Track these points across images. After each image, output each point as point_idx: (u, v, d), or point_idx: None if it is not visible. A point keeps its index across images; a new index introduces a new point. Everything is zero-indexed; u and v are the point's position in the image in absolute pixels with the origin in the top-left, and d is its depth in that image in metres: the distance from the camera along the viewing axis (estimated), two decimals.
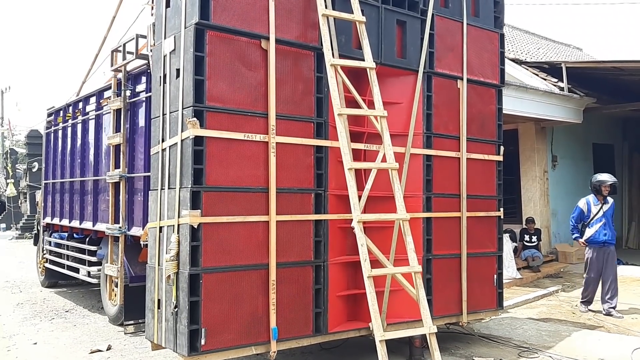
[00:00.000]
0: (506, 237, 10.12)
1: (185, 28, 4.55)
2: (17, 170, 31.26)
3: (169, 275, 4.41)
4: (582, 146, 13.72)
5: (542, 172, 12.22)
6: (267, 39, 4.79)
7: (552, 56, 16.13)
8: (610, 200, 7.99)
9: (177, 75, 4.62)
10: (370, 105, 5.21)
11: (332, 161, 5.23)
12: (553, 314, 7.77)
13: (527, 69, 11.96)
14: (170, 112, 4.74)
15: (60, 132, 9.52)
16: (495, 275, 6.42)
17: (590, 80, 12.18)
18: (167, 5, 4.88)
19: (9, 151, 34.42)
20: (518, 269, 10.17)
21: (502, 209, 6.57)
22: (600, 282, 7.81)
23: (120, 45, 7.07)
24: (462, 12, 6.21)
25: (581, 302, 7.96)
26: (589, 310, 7.82)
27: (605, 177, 7.96)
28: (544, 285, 9.72)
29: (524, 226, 11.34)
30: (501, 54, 6.63)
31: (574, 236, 8.21)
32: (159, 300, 4.73)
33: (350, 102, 5.28)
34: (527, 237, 11.14)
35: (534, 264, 10.69)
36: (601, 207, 7.88)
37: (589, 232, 7.89)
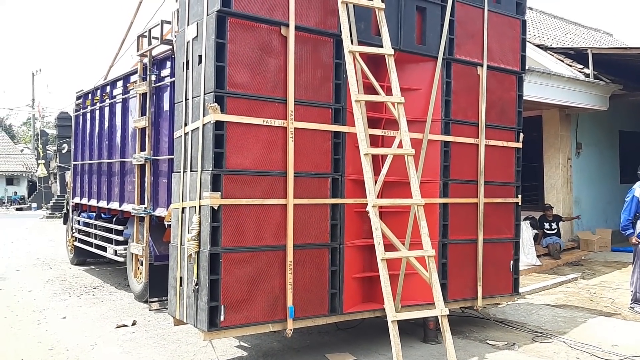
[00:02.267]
0: (526, 224, 10.14)
1: (207, 15, 4.68)
2: (47, 152, 32.03)
3: (191, 254, 4.59)
4: (608, 133, 13.52)
5: (565, 159, 12.11)
6: (287, 25, 4.89)
7: (580, 42, 15.84)
8: None
9: (200, 62, 4.77)
10: (389, 91, 5.28)
11: (350, 146, 5.33)
12: (570, 300, 7.79)
13: (552, 55, 11.80)
14: (192, 97, 4.89)
15: (88, 115, 9.79)
16: (511, 261, 6.48)
17: (617, 67, 11.97)
18: None
19: (39, 132, 35.23)
20: (538, 256, 10.17)
21: (520, 196, 6.59)
22: None
23: (146, 31, 7.24)
24: None
25: (635, 302, 7.15)
26: None
27: None
28: (563, 273, 9.71)
29: (543, 213, 11.29)
30: (522, 40, 6.61)
31: (627, 232, 7.18)
32: (180, 278, 4.93)
33: (369, 88, 5.35)
34: (546, 225, 11.10)
35: (553, 251, 10.67)
36: None
37: (639, 226, 7.10)
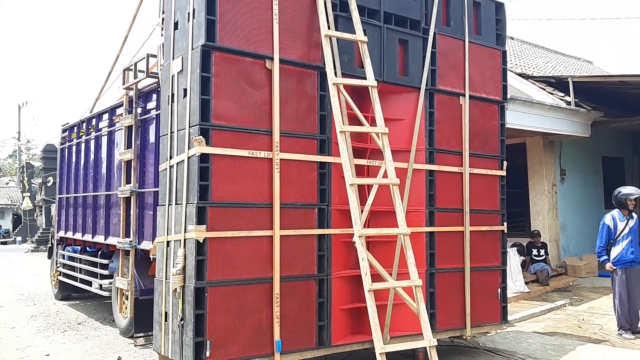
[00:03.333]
0: (514, 251, 10.17)
1: (192, 49, 4.73)
2: (32, 185, 31.77)
3: (176, 289, 4.54)
4: (592, 159, 13.71)
5: (550, 185, 12.24)
6: (272, 59, 4.95)
7: (561, 70, 16.17)
8: (635, 215, 7.36)
9: (185, 95, 4.80)
10: (373, 122, 5.34)
11: (336, 176, 5.36)
12: (559, 328, 7.78)
13: (534, 84, 12.02)
14: (177, 130, 4.90)
15: (74, 148, 9.76)
16: (499, 289, 6.48)
17: (597, 94, 12.21)
18: (176, 27, 5.07)
19: (25, 165, 34.99)
20: (526, 283, 10.18)
21: (505, 224, 6.63)
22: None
23: (132, 65, 7.29)
24: (464, 31, 6.33)
25: (621, 329, 7.17)
26: (636, 335, 7.04)
27: (631, 190, 7.29)
28: (551, 299, 9.71)
29: (531, 240, 11.35)
30: (503, 70, 6.74)
31: (602, 259, 7.34)
32: (166, 312, 4.87)
33: (354, 119, 5.41)
34: (534, 251, 11.15)
35: (542, 278, 10.69)
36: (627, 223, 7.22)
37: (614, 252, 7.21)
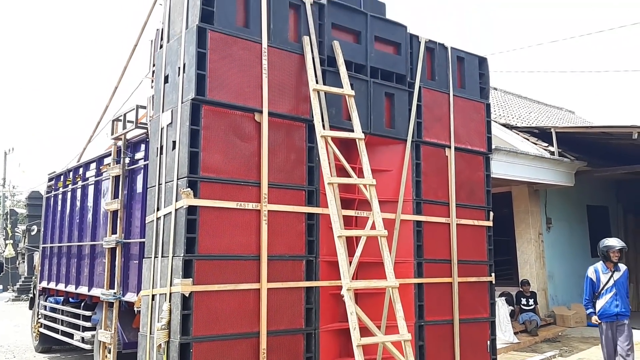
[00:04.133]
0: (502, 301, 10.12)
1: (182, 103, 4.79)
2: (16, 233, 31.27)
3: (160, 344, 4.44)
4: (576, 208, 13.85)
5: (537, 234, 12.30)
6: (260, 112, 5.01)
7: (544, 120, 16.53)
8: (622, 267, 7.12)
9: (173, 147, 4.82)
10: (361, 173, 5.38)
11: (324, 227, 5.35)
12: None
13: (518, 134, 12.26)
14: (165, 182, 4.90)
15: (60, 197, 9.68)
16: (488, 342, 6.41)
17: (580, 144, 12.46)
18: (166, 81, 5.14)
19: (9, 212, 34.54)
20: (515, 333, 10.10)
21: (493, 274, 6.63)
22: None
23: (121, 115, 7.34)
24: (449, 85, 6.49)
25: None
26: None
27: (613, 242, 7.08)
28: (541, 350, 9.62)
29: (520, 289, 11.32)
30: (488, 123, 6.87)
31: (588, 311, 7.20)
32: None
33: (342, 170, 5.45)
34: (523, 301, 11.10)
35: (531, 328, 10.60)
36: (611, 276, 7.01)
37: (598, 305, 7.02)
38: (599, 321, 7.03)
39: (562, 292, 12.72)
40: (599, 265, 7.18)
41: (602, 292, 7.03)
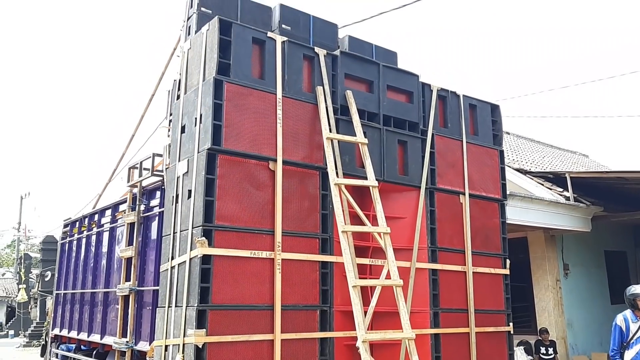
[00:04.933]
0: (520, 350, 9.87)
1: (198, 152, 4.86)
2: (30, 278, 31.32)
3: None
4: (594, 254, 13.61)
5: (554, 280, 12.07)
6: (275, 160, 5.07)
7: (558, 164, 16.46)
8: None
9: (189, 196, 4.86)
10: (374, 220, 5.37)
11: (338, 276, 5.31)
12: None
13: (532, 179, 12.19)
14: (180, 231, 4.93)
15: (74, 243, 9.73)
16: None
17: (596, 189, 12.35)
18: (182, 131, 5.23)
19: (23, 256, 34.69)
20: None
21: (511, 324, 6.50)
22: None
23: (138, 163, 7.43)
24: (461, 132, 6.53)
25: None
26: None
27: (639, 290, 6.58)
28: None
29: (539, 337, 11.03)
30: (502, 169, 6.87)
31: None
32: None
33: (355, 217, 5.45)
34: (542, 350, 10.79)
35: None
36: None
37: (627, 356, 6.46)
38: None
39: (582, 340, 12.36)
40: (628, 313, 6.65)
41: (632, 342, 6.47)
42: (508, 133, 17.13)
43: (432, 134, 6.25)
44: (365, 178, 5.41)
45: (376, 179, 5.41)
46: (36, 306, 27.68)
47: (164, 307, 4.96)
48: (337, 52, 5.77)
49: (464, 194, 6.39)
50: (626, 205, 12.35)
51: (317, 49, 5.60)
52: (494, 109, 7.02)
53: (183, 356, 4.44)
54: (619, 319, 6.67)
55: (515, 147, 16.48)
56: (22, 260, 33.61)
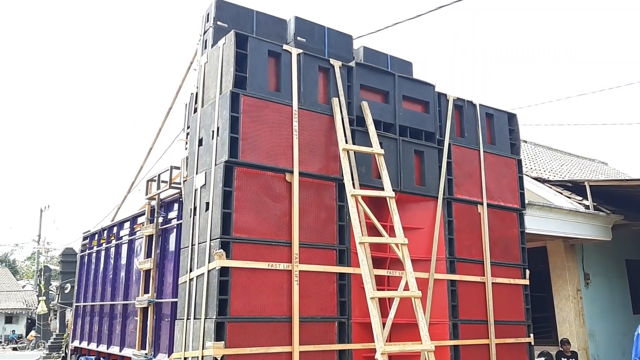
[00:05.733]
0: None
1: (215, 165, 4.89)
2: (50, 290, 31.61)
3: None
4: (615, 263, 13.39)
5: (575, 290, 11.89)
6: (291, 172, 5.08)
7: (576, 172, 16.27)
8: None
9: (207, 209, 4.89)
10: (392, 231, 5.35)
11: (355, 287, 5.29)
12: None
13: (551, 188, 12.06)
14: (198, 243, 4.95)
15: (94, 255, 9.82)
16: None
17: (616, 197, 12.16)
18: (200, 144, 5.27)
19: (43, 268, 35.05)
20: None
21: (532, 335, 6.41)
22: None
23: (155, 176, 7.50)
24: (479, 141, 6.50)
25: None
26: None
27: None
28: None
29: (560, 348, 10.86)
30: (520, 178, 6.81)
31: None
32: None
33: (372, 228, 5.43)
34: None
35: None
36: None
37: None
38: None
39: (605, 351, 12.14)
40: None
41: None
42: (525, 141, 16.99)
43: (449, 144, 6.22)
44: (382, 189, 5.40)
45: (393, 190, 5.40)
46: (56, 318, 27.88)
47: (183, 319, 4.98)
48: (352, 64, 5.79)
49: (482, 203, 6.34)
50: None
51: (332, 61, 5.63)
52: (511, 117, 6.98)
53: None
54: None
55: (533, 155, 16.34)
56: (42, 273, 33.96)
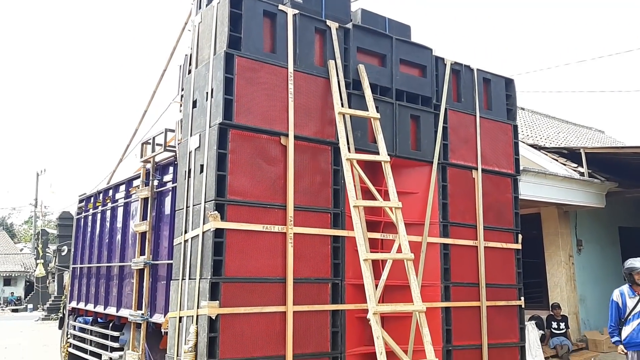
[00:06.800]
0: (532, 324, 9.90)
1: (209, 127, 4.87)
2: (47, 253, 31.83)
3: None
4: (608, 230, 13.53)
5: (567, 256, 12.04)
6: (287, 135, 5.07)
7: (573, 140, 16.28)
8: None
9: (201, 171, 4.89)
10: (386, 195, 5.38)
11: (349, 250, 5.34)
12: None
13: (546, 154, 12.08)
14: (193, 205, 4.97)
15: (90, 218, 9.86)
16: None
17: (611, 165, 12.21)
18: (194, 105, 5.24)
19: (40, 232, 35.24)
20: (546, 358, 9.84)
21: (523, 298, 6.51)
22: None
23: (150, 139, 7.47)
24: (475, 106, 6.47)
25: None
26: None
27: (637, 264, 6.32)
28: None
29: (550, 312, 11.06)
30: (515, 144, 6.81)
31: (613, 340, 6.41)
32: None
33: (367, 192, 5.45)
34: (554, 324, 10.84)
35: (562, 353, 10.33)
36: (639, 300, 6.27)
37: (624, 332, 6.26)
38: (625, 351, 6.29)
39: (594, 316, 12.37)
40: (625, 288, 6.42)
41: (629, 318, 6.27)
42: (523, 109, 16.94)
43: (445, 109, 6.20)
44: (377, 153, 5.40)
45: (388, 154, 5.40)
46: (54, 280, 28.21)
47: (178, 279, 5.04)
48: (349, 26, 5.71)
49: (476, 169, 6.36)
50: None
51: (329, 22, 5.55)
52: (508, 83, 6.93)
53: (197, 327, 4.51)
54: (615, 294, 6.44)
55: (530, 123, 16.32)
56: (40, 236, 34.18)
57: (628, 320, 6.26)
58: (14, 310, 36.50)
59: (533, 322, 10.20)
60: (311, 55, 5.38)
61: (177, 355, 4.80)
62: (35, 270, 33.45)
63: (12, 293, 43.45)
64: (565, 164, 11.76)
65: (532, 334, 9.64)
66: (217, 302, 4.46)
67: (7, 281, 44.87)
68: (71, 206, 25.42)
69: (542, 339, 10.42)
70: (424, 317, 4.79)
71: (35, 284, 36.07)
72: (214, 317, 4.43)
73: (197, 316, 4.56)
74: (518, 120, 7.20)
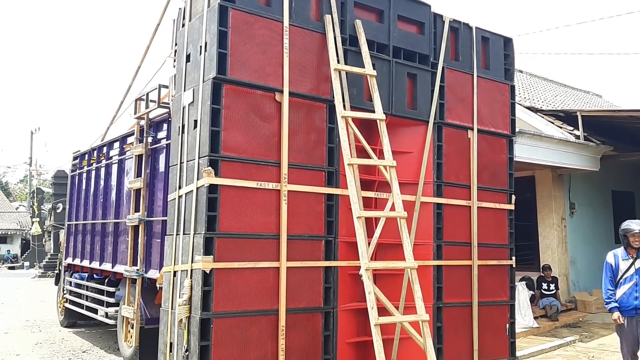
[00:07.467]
0: (522, 285, 10.05)
1: (203, 82, 4.81)
2: (42, 211, 31.89)
3: (181, 319, 4.53)
4: (601, 193, 13.62)
5: (559, 219, 12.15)
6: (281, 92, 5.01)
7: (570, 103, 16.21)
8: None
9: (195, 126, 4.86)
10: (381, 154, 5.36)
11: (343, 209, 5.36)
12: None
13: (543, 117, 12.05)
14: (187, 161, 4.95)
15: (84, 175, 9.84)
16: (507, 325, 6.40)
17: (607, 128, 12.21)
18: (188, 60, 5.16)
19: (35, 190, 35.21)
20: (535, 318, 10.03)
21: (514, 258, 6.59)
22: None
23: (144, 95, 7.39)
24: (473, 65, 6.40)
25: None
26: None
27: (633, 225, 6.06)
28: (561, 335, 9.55)
29: (541, 274, 11.23)
30: (512, 105, 6.77)
31: (609, 306, 6.00)
32: (171, 343, 4.84)
33: (362, 151, 5.44)
34: (544, 285, 11.02)
35: (551, 313, 10.53)
36: (632, 263, 6.01)
37: (618, 294, 6.04)
38: (622, 322, 5.94)
39: (584, 278, 12.58)
40: (620, 250, 6.21)
41: (621, 281, 6.05)
42: (521, 71, 16.80)
43: (443, 67, 6.13)
44: (373, 111, 5.36)
45: (384, 113, 5.36)
46: (50, 239, 28.32)
47: (172, 234, 5.06)
48: None
49: (472, 129, 6.33)
50: (636, 144, 12.25)
51: None
52: (507, 42, 6.84)
53: (191, 281, 4.56)
54: (609, 257, 6.26)
55: (528, 85, 16.21)
56: (35, 195, 34.16)
57: (620, 284, 6.06)
58: (10, 268, 36.77)
59: (523, 282, 10.36)
60: (307, 9, 5.28)
61: (172, 308, 4.86)
62: (31, 229, 33.57)
63: (9, 251, 43.70)
64: (561, 127, 11.75)
65: (522, 294, 9.81)
66: (212, 256, 4.49)
67: (4, 239, 45.09)
68: (66, 165, 25.32)
69: (532, 300, 10.61)
70: (415, 273, 4.85)
71: (31, 242, 36.26)
72: (208, 272, 4.47)
73: (192, 270, 4.60)
74: (516, 83, 7.15)
